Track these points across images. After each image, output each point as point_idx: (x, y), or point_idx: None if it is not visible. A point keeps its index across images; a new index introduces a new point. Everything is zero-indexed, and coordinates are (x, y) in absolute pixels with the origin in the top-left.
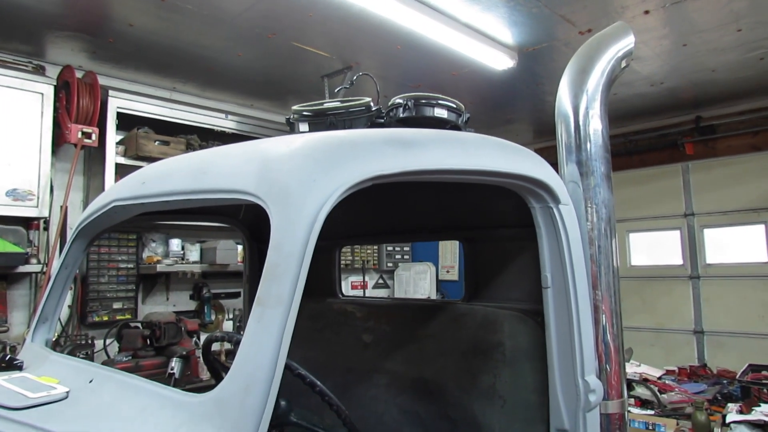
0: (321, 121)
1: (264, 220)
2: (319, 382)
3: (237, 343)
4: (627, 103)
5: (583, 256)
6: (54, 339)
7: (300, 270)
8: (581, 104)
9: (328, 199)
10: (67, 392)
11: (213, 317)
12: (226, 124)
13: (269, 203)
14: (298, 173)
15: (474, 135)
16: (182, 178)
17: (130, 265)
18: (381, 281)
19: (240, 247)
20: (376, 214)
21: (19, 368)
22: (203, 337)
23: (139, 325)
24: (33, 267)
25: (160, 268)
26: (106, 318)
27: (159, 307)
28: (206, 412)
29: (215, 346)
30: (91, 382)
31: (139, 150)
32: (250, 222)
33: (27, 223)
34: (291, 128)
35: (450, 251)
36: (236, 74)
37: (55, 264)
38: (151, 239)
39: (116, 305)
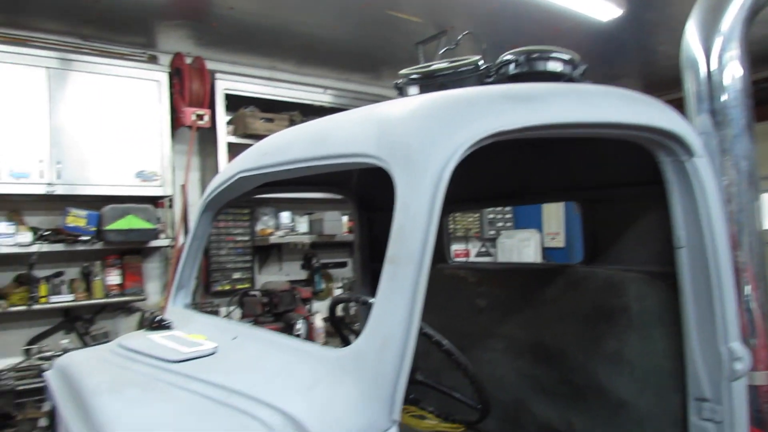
0: (431, 83)
1: (374, 188)
2: (446, 341)
3: (363, 304)
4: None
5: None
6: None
7: (428, 228)
8: (714, 46)
9: (451, 157)
10: (215, 348)
11: (323, 286)
12: (324, 98)
13: (392, 164)
14: (419, 133)
15: (596, 86)
16: (302, 147)
17: (246, 238)
18: (483, 249)
19: (345, 218)
20: (485, 177)
21: (168, 328)
22: (315, 304)
23: (257, 293)
24: (162, 241)
25: (272, 239)
26: (227, 287)
27: (273, 276)
28: (346, 366)
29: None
30: (234, 339)
31: (246, 128)
32: (360, 191)
33: (154, 201)
34: (400, 93)
35: (555, 217)
36: (332, 48)
37: (182, 237)
38: (263, 213)
39: (236, 275)
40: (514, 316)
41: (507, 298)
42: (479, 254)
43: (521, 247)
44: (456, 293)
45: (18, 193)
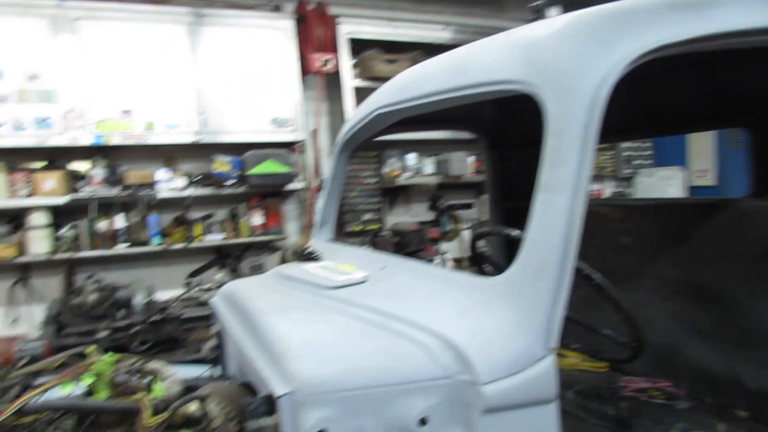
0: (574, 1)
1: (506, 124)
2: (598, 274)
3: (507, 236)
4: None
5: None
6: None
7: (584, 152)
8: None
9: (606, 76)
10: (365, 276)
11: (450, 227)
12: (444, 35)
13: (541, 89)
14: (570, 52)
15: None
16: (441, 78)
17: (374, 180)
18: (619, 190)
19: (471, 159)
20: (632, 104)
21: (318, 259)
22: (443, 245)
23: (387, 233)
24: (298, 184)
25: (399, 181)
26: (359, 228)
27: (402, 217)
28: (499, 294)
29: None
30: (383, 268)
31: (370, 71)
32: (491, 127)
33: (288, 147)
34: (537, 16)
35: (703, 151)
36: None
37: (315, 180)
38: (389, 155)
39: (366, 216)
40: (664, 255)
41: (656, 236)
42: (614, 195)
43: (662, 186)
44: (596, 231)
45: (171, 143)
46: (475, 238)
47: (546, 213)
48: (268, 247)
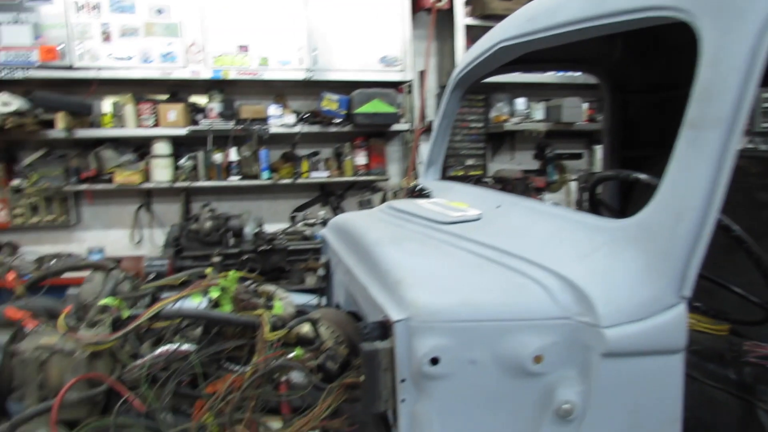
0: None
1: (634, 65)
2: (737, 227)
3: (634, 181)
4: None
5: None
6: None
7: (745, 87)
8: None
9: None
10: (479, 214)
11: (555, 177)
12: None
13: (698, 14)
14: None
15: None
16: (578, 6)
17: (480, 125)
18: (751, 146)
19: (585, 105)
20: None
21: (428, 196)
22: (546, 195)
23: (490, 180)
24: (402, 126)
25: (506, 126)
26: (461, 173)
27: (505, 165)
28: (629, 236)
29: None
30: (498, 207)
31: (484, 9)
32: (616, 68)
33: (395, 87)
34: None
35: None
36: None
37: (419, 123)
38: (497, 99)
39: (469, 161)
40: None
41: None
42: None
43: None
44: (731, 184)
45: (283, 79)
46: (596, 182)
47: (692, 151)
48: (370, 187)
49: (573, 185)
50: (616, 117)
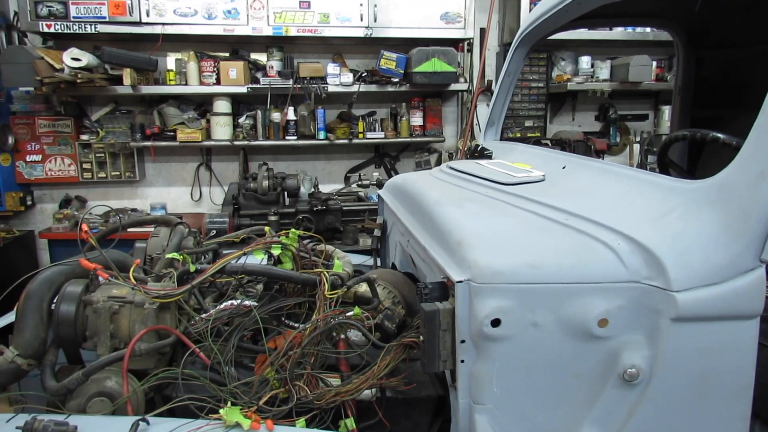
0: None
1: (711, 20)
2: None
3: (702, 140)
4: None
5: None
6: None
7: None
8: None
9: None
10: (543, 175)
11: (618, 139)
12: None
13: None
14: None
15: None
16: None
17: (541, 84)
18: None
19: (654, 64)
20: None
21: (489, 157)
22: (607, 158)
23: (548, 142)
24: (461, 86)
25: (569, 86)
26: (518, 135)
27: (565, 126)
28: (705, 197)
29: None
30: (564, 168)
31: None
32: (692, 22)
33: (455, 45)
34: None
35: None
36: None
37: (478, 83)
38: (560, 57)
39: (527, 123)
40: None
41: None
42: None
43: None
44: None
45: (343, 36)
46: (670, 142)
47: None
48: (425, 149)
49: (636, 148)
50: (689, 75)
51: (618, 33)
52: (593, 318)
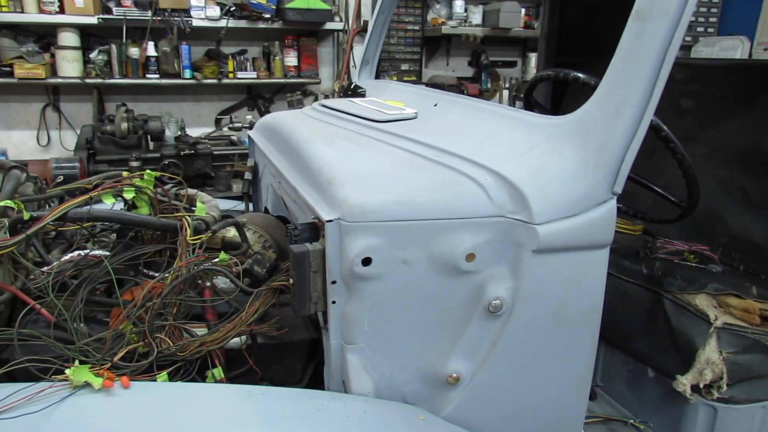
0: None
1: None
2: (665, 127)
3: (573, 81)
4: None
5: None
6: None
7: None
8: None
9: None
10: (416, 113)
11: (489, 85)
12: None
13: None
14: None
15: None
16: None
17: (416, 27)
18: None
19: (523, 11)
20: None
21: (363, 95)
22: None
23: (423, 86)
24: (336, 25)
25: (443, 30)
26: (395, 78)
27: (440, 71)
28: (566, 133)
29: None
30: (436, 105)
31: None
32: None
33: None
34: None
35: None
36: None
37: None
38: (435, 1)
39: (403, 66)
40: (725, 120)
41: (721, 99)
42: None
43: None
44: None
45: None
46: (535, 82)
47: (636, 45)
48: (301, 91)
49: (505, 94)
50: (553, 20)
51: None
52: (461, 253)
